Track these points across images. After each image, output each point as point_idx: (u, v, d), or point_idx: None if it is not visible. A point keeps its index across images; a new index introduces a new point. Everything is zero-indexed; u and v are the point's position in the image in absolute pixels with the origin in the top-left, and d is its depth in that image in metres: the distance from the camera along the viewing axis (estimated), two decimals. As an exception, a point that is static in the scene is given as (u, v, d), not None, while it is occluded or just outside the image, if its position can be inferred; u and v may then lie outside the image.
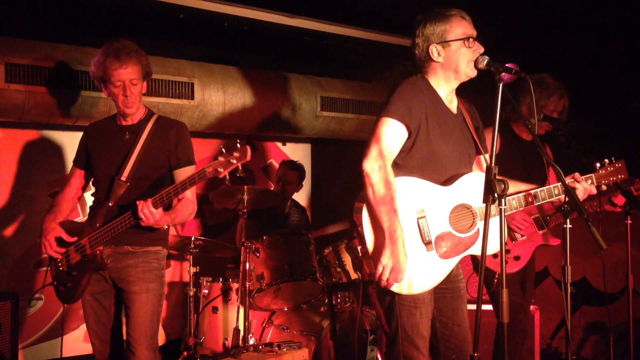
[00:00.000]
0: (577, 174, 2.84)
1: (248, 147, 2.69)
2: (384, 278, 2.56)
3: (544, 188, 2.79)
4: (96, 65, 3.02)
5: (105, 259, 2.99)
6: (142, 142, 3.05)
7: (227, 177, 2.71)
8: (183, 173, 3.07)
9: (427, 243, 2.64)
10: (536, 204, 2.80)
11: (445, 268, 2.69)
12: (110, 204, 3.01)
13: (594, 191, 2.87)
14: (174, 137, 3.10)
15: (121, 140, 3.09)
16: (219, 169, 2.70)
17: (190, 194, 3.09)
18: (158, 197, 2.83)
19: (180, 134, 3.13)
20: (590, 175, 2.91)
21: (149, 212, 2.80)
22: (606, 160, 2.94)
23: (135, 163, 3.02)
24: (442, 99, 2.77)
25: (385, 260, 2.53)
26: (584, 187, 2.82)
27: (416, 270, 2.63)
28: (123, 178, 3.01)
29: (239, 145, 2.70)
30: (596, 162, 2.95)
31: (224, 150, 2.74)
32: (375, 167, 2.58)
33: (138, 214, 2.81)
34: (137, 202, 2.81)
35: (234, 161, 2.68)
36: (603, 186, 2.96)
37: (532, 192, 2.78)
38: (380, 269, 2.55)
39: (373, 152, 2.60)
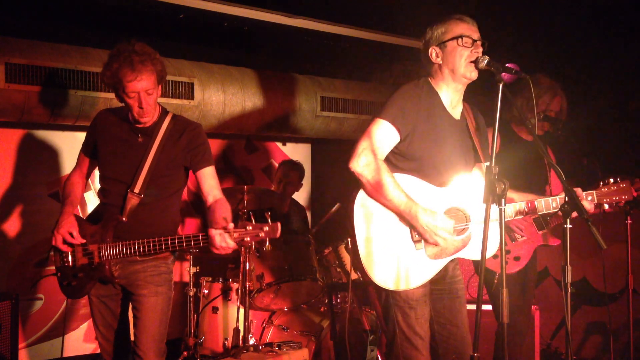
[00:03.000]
0: (579, 190, 2.76)
1: (279, 224, 2.70)
2: (438, 244, 2.63)
3: (542, 199, 2.74)
4: (107, 73, 2.84)
5: (113, 267, 2.93)
6: (155, 149, 2.94)
7: (253, 246, 2.72)
8: (204, 174, 3.02)
9: (417, 241, 2.65)
10: (539, 214, 2.76)
11: (434, 267, 2.69)
12: (124, 219, 2.93)
13: (592, 210, 2.77)
14: (189, 141, 2.99)
15: (134, 143, 2.96)
16: (245, 239, 2.71)
17: (218, 192, 3.02)
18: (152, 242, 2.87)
19: (196, 135, 3.02)
20: (592, 192, 2.82)
21: (226, 245, 2.78)
22: (611, 179, 2.84)
23: (148, 174, 2.93)
24: (443, 103, 2.76)
25: (426, 234, 2.60)
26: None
27: (405, 267, 2.64)
28: (136, 190, 2.93)
29: (270, 220, 2.72)
30: (600, 180, 2.84)
31: (254, 220, 2.75)
32: (362, 163, 2.59)
33: (215, 244, 2.80)
34: (212, 233, 2.79)
35: (262, 235, 2.69)
36: (605, 205, 2.84)
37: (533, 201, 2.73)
38: (435, 240, 2.62)
39: (359, 149, 2.60)
